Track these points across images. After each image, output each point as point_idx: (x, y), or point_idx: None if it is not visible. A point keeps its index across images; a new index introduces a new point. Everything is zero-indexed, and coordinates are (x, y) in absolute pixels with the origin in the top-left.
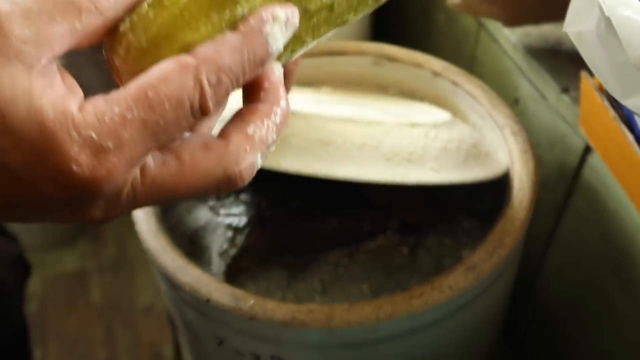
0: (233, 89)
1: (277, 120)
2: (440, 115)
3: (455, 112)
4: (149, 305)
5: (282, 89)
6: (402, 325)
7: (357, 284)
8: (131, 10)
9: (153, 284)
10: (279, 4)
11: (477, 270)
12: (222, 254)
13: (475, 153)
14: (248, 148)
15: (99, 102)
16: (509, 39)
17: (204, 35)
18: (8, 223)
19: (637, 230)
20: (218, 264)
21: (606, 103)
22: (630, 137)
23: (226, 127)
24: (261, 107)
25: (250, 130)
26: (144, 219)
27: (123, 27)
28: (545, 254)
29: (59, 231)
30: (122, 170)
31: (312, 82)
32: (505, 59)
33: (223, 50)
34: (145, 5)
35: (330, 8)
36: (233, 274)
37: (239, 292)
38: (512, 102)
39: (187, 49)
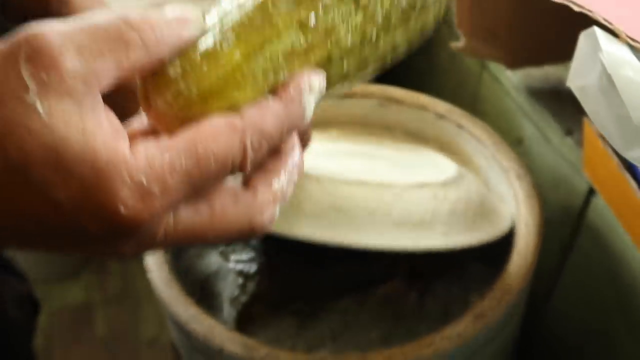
0: (268, 153)
1: (295, 175)
2: (447, 167)
3: (460, 154)
4: (154, 338)
5: (299, 145)
6: None
7: (366, 331)
8: (178, 52)
9: (158, 316)
10: (312, 72)
11: (486, 318)
12: (233, 300)
13: (482, 212)
14: (272, 200)
15: (151, 147)
16: (511, 79)
17: (249, 95)
18: (38, 251)
19: None
20: (229, 310)
21: (609, 149)
22: (633, 183)
23: (252, 179)
24: (282, 161)
25: (274, 183)
26: (155, 267)
27: (174, 73)
28: (550, 295)
29: (64, 263)
30: (162, 215)
31: (319, 124)
32: (507, 100)
33: (267, 116)
34: (197, 55)
35: (345, 77)
36: (244, 321)
37: (251, 342)
38: (516, 141)
39: (233, 106)
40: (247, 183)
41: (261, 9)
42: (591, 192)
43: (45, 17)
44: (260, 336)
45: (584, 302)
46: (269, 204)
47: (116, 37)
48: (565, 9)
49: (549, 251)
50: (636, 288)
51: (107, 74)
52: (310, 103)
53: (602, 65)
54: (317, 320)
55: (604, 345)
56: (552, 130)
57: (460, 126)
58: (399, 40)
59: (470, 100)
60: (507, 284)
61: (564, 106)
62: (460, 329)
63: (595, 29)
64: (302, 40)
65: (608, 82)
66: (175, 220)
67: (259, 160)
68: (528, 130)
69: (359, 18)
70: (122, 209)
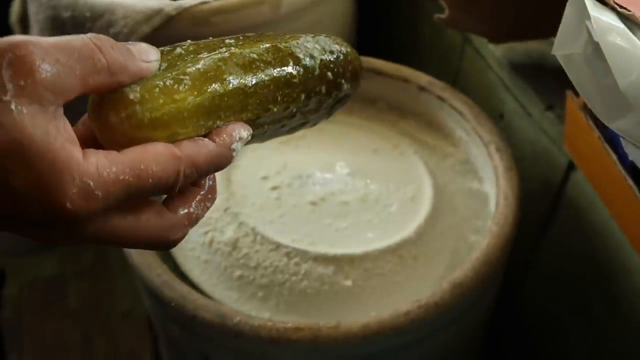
0: (195, 181)
1: (209, 204)
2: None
3: (441, 128)
4: (128, 312)
5: (215, 182)
6: (388, 342)
7: None
8: (135, 79)
9: (132, 290)
10: (242, 124)
11: (463, 287)
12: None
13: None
14: (187, 223)
15: (102, 158)
16: (494, 53)
17: (190, 132)
18: None
19: (619, 246)
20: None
21: (591, 123)
22: (614, 156)
23: (175, 202)
24: (202, 192)
25: (192, 209)
26: None
27: (133, 96)
28: (528, 269)
29: None
30: (98, 213)
31: None
32: (490, 74)
33: (201, 153)
34: (157, 89)
35: (264, 135)
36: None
37: (225, 308)
38: (497, 116)
39: (174, 138)
40: (168, 205)
41: (216, 67)
42: (571, 166)
43: None
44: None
45: (562, 275)
46: (184, 226)
47: (87, 59)
48: None
49: (528, 225)
50: (614, 262)
51: (73, 89)
52: (237, 149)
53: (589, 33)
54: None
55: (582, 318)
56: (533, 105)
57: (441, 99)
58: (310, 117)
59: (453, 74)
60: (484, 255)
61: (545, 81)
62: (437, 299)
63: None
64: (241, 101)
65: (594, 51)
66: (104, 222)
67: (187, 185)
68: (509, 104)
69: (285, 96)
70: (68, 204)
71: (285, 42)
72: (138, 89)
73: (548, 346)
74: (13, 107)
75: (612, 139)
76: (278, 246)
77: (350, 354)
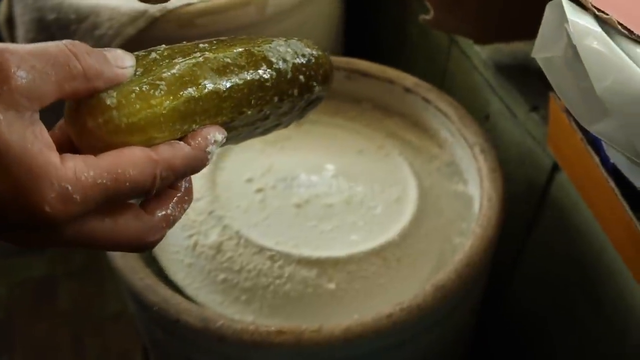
0: (171, 184)
1: (186, 206)
2: (407, 199)
3: (427, 129)
4: (119, 313)
5: (191, 184)
6: (371, 345)
7: None
8: (111, 86)
9: (122, 291)
10: (217, 127)
11: (446, 289)
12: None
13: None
14: (164, 225)
15: (79, 162)
16: (480, 55)
17: (166, 136)
18: None
19: (602, 247)
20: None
21: (573, 125)
22: (596, 159)
23: (152, 204)
24: (178, 194)
25: (169, 211)
26: None
27: (109, 102)
28: (512, 270)
29: None
30: (75, 216)
31: None
32: (476, 75)
33: (177, 156)
34: (133, 94)
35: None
36: None
37: (208, 312)
38: (483, 117)
39: (150, 141)
40: (146, 207)
41: (191, 72)
42: (555, 168)
43: None
44: None
45: (548, 276)
46: (162, 227)
47: (63, 65)
48: None
49: (513, 226)
50: (598, 263)
51: (49, 95)
52: (212, 151)
53: (568, 36)
54: None
55: (567, 319)
56: (518, 106)
57: (426, 100)
58: (283, 119)
59: (440, 75)
60: (467, 257)
61: (530, 82)
62: (420, 301)
63: None
64: (216, 105)
65: (573, 54)
66: (82, 225)
67: (163, 187)
68: (495, 105)
69: (259, 99)
70: (47, 208)
71: (259, 47)
72: (114, 94)
73: (534, 347)
74: None
75: (594, 141)
76: (262, 249)
77: (333, 356)
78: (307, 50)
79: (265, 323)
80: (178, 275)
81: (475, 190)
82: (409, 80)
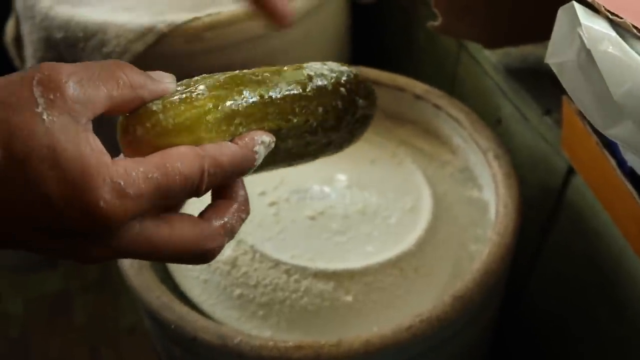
0: (221, 182)
1: (243, 216)
2: (421, 210)
3: (439, 136)
4: (134, 326)
5: (245, 194)
6: (391, 358)
7: None
8: (156, 97)
9: (139, 309)
10: (264, 132)
11: (465, 299)
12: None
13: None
14: (222, 232)
15: (129, 162)
16: (489, 59)
17: (213, 137)
18: (17, 246)
19: (621, 251)
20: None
21: (588, 128)
22: (612, 161)
23: (208, 213)
24: (235, 204)
25: (226, 219)
26: None
27: (155, 107)
28: (530, 275)
29: None
30: (132, 214)
31: None
32: (486, 79)
33: (224, 153)
34: (176, 99)
35: (288, 151)
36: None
37: (225, 329)
38: (495, 122)
39: (198, 142)
40: (202, 215)
41: (231, 80)
42: (570, 171)
43: None
44: None
45: (566, 280)
46: (220, 235)
47: (109, 76)
48: None
49: (529, 231)
50: (617, 266)
51: (100, 102)
52: (260, 152)
53: (581, 40)
54: None
55: (587, 323)
56: (531, 110)
57: (437, 107)
58: (333, 136)
59: (449, 80)
60: (485, 265)
61: (542, 85)
62: (439, 312)
63: (574, 3)
64: (260, 109)
65: (587, 58)
66: (140, 228)
67: (212, 186)
68: (507, 109)
69: (303, 108)
70: (102, 203)
71: (295, 66)
72: (159, 101)
73: (554, 351)
74: (45, 117)
75: (610, 144)
76: (277, 263)
77: None
78: (344, 68)
79: (283, 338)
80: (194, 291)
81: (490, 196)
82: (419, 87)
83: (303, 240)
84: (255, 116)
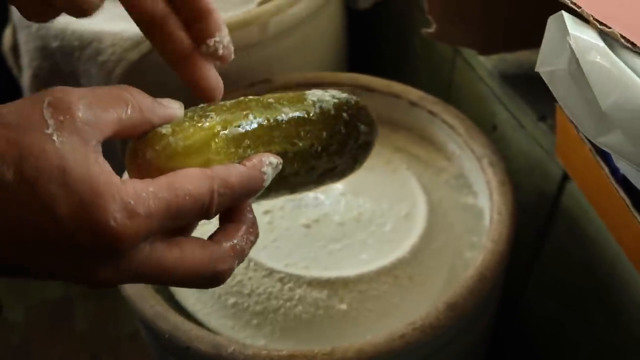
0: (230, 204)
1: (252, 238)
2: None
3: (434, 142)
4: (134, 332)
5: (254, 217)
6: None
7: None
8: (164, 122)
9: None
10: (272, 154)
11: (458, 306)
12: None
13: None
14: (232, 254)
15: (138, 182)
16: (485, 65)
17: (222, 159)
18: (22, 273)
19: (615, 256)
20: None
21: (581, 135)
22: (606, 169)
23: (218, 235)
24: (244, 226)
25: (236, 241)
26: None
27: (165, 131)
28: (526, 281)
29: None
30: (143, 235)
31: None
32: (481, 86)
33: (233, 174)
34: (186, 122)
35: (296, 174)
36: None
37: (219, 338)
38: (490, 128)
39: (207, 164)
40: (212, 238)
41: (237, 105)
42: (565, 177)
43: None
44: None
45: (561, 285)
46: (230, 257)
47: (119, 99)
48: None
49: (525, 237)
50: (612, 272)
51: (109, 124)
52: (268, 173)
53: (571, 49)
54: None
55: (583, 329)
56: (526, 116)
57: (432, 113)
58: (337, 161)
59: (445, 87)
60: (480, 273)
61: (537, 91)
62: (432, 320)
63: (564, 12)
64: (266, 132)
65: (577, 67)
66: (150, 250)
67: (222, 208)
68: (502, 115)
69: (307, 133)
70: (112, 222)
71: (299, 92)
72: (169, 125)
73: (551, 356)
74: (55, 138)
75: (603, 151)
76: (271, 272)
77: None
78: (345, 95)
79: (277, 347)
80: (188, 300)
81: (485, 203)
82: (414, 93)
83: (297, 249)
84: (262, 139)
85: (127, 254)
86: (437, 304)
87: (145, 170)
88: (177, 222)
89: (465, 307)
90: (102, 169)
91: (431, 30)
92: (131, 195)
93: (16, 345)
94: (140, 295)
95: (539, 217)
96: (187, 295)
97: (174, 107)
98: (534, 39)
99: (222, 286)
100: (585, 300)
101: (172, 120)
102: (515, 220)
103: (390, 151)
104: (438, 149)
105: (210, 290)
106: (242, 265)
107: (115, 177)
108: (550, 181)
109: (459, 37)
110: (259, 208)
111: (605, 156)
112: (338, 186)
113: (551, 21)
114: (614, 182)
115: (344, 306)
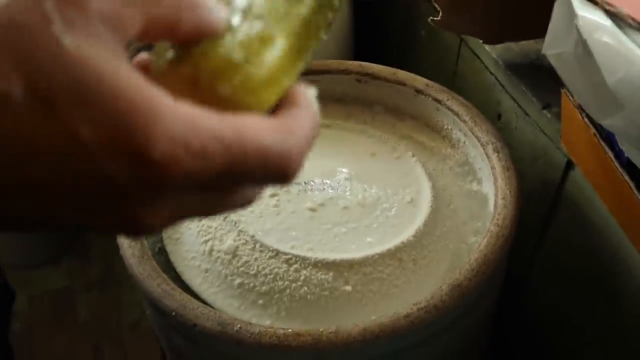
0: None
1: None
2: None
3: (439, 129)
4: (136, 322)
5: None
6: (389, 346)
7: None
8: (207, 32)
9: (140, 301)
10: (311, 87)
11: (463, 288)
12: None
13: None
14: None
15: (197, 109)
16: (490, 54)
17: (293, 81)
18: (40, 226)
19: (619, 242)
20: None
21: (586, 120)
22: (610, 153)
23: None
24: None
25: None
26: (128, 244)
27: (238, 56)
28: (530, 268)
29: (45, 249)
30: (191, 183)
31: None
32: (486, 75)
33: (305, 126)
34: (255, 41)
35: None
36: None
37: (225, 316)
38: (495, 117)
39: (283, 92)
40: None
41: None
42: (569, 165)
43: None
44: None
45: (565, 272)
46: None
47: None
48: None
49: (530, 224)
50: (615, 258)
51: (134, 21)
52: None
53: (578, 31)
54: None
55: (586, 314)
56: (530, 104)
57: (438, 101)
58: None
59: (450, 75)
60: (483, 256)
61: (542, 80)
62: (437, 301)
63: None
64: (311, 29)
65: (584, 49)
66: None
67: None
68: (507, 104)
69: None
70: (155, 153)
71: None
72: (236, 46)
73: (554, 341)
74: (66, 40)
75: (608, 136)
76: (277, 253)
77: (351, 358)
78: None
79: (282, 327)
80: (195, 280)
81: (489, 189)
82: (419, 81)
83: (303, 231)
84: (310, 33)
85: (170, 197)
86: (441, 285)
87: (226, 104)
88: (240, 185)
89: (469, 288)
90: (139, 79)
91: (437, 18)
92: (184, 122)
93: (19, 335)
94: (148, 275)
95: (543, 205)
96: (193, 276)
97: (219, 12)
98: (539, 29)
99: (228, 267)
100: (589, 286)
101: (217, 28)
102: (519, 204)
103: (395, 138)
104: (443, 137)
105: (217, 270)
106: (248, 246)
107: (161, 92)
108: (555, 169)
109: (465, 26)
110: (266, 191)
111: (609, 140)
112: (344, 171)
113: (558, 4)
114: (618, 165)
115: (348, 287)
